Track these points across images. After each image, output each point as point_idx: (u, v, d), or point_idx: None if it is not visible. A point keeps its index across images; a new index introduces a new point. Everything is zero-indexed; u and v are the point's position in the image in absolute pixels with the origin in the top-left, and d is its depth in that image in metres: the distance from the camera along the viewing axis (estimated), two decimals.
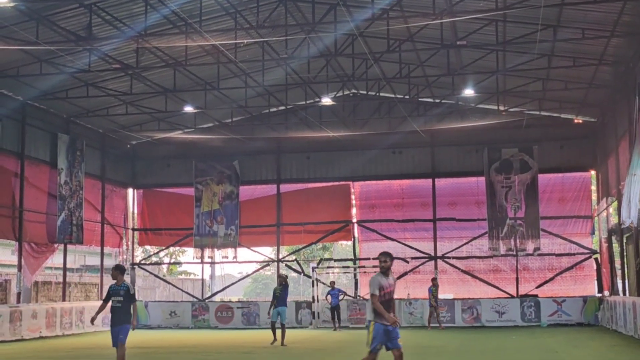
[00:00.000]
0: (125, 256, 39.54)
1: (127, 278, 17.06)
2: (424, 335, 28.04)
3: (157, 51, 27.45)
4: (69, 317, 31.39)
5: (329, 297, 32.79)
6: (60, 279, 35.05)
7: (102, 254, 37.31)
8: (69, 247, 34.45)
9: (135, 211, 40.25)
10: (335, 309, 32.44)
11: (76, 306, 32.44)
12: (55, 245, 32.41)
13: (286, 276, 25.79)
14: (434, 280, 32.91)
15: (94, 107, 33.36)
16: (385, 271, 11.62)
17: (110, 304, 14.89)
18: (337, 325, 32.25)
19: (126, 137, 37.80)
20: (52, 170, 32.23)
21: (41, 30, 23.76)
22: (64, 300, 33.86)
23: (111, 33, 25.25)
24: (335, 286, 33.66)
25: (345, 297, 34.78)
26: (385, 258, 11.65)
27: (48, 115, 32.50)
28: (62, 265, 34.54)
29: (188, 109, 32.91)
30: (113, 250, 38.74)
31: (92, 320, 15.43)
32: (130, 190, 39.98)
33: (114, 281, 14.83)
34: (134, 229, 40.10)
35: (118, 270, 14.93)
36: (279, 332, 23.85)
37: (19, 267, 30.05)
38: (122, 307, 14.68)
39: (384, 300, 11.54)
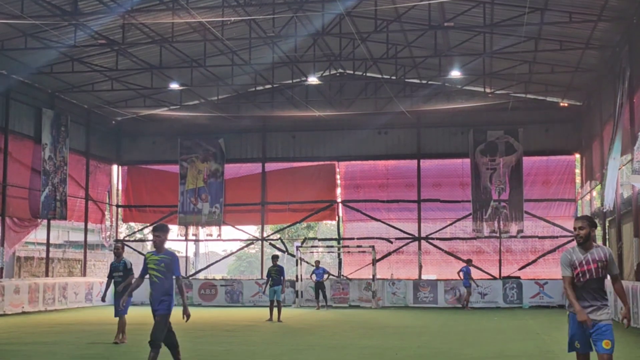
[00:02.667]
0: (108, 232, 39.46)
1: (125, 255, 17.71)
2: (406, 315, 28.19)
3: (143, 27, 27.29)
4: (52, 292, 31.34)
5: (314, 276, 32.94)
6: (43, 255, 34.98)
7: (86, 230, 37.24)
8: (53, 222, 34.37)
9: (120, 188, 40.13)
10: (320, 287, 32.56)
11: (59, 282, 32.39)
12: (39, 221, 32.31)
13: (278, 257, 26.31)
14: (469, 261, 33.18)
15: (79, 83, 33.17)
16: (582, 242, 8.73)
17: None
18: (321, 304, 32.39)
19: (111, 113, 37.64)
20: (36, 146, 32.07)
21: (26, 3, 23.54)
22: (47, 275, 33.80)
23: (97, 8, 25.07)
24: (320, 265, 33.76)
25: (330, 277, 34.92)
26: (582, 223, 8.71)
27: (33, 90, 32.30)
28: (45, 241, 34.44)
29: (174, 86, 32.79)
30: (96, 226, 38.65)
31: (103, 298, 17.66)
32: (114, 167, 39.84)
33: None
34: (118, 206, 40.01)
35: (117, 248, 17.53)
36: (275, 310, 24.81)
37: (2, 242, 29.94)
38: (122, 282, 16.92)
39: (579, 283, 8.73)
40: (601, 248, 8.75)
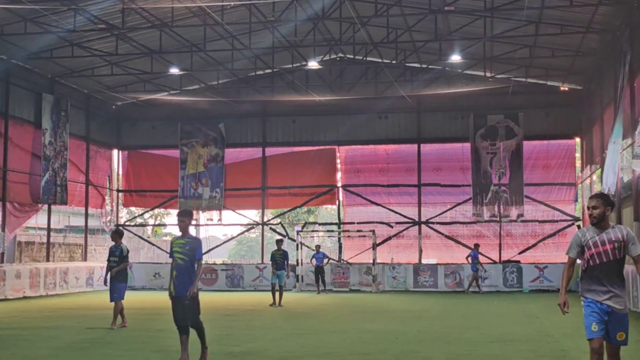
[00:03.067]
0: (109, 217, 39.51)
1: (123, 241, 17.77)
2: (406, 300, 28.26)
3: (143, 12, 27.20)
4: (53, 277, 31.42)
5: (314, 260, 32.99)
6: (44, 240, 35.03)
7: (87, 214, 37.30)
8: (53, 207, 34.41)
9: (120, 172, 40.15)
10: (319, 272, 32.61)
11: (60, 266, 32.47)
12: (39, 206, 32.35)
13: (282, 240, 26.32)
14: (477, 245, 33.23)
15: (79, 68, 33.12)
16: (596, 222, 8.13)
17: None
18: (321, 288, 32.46)
19: (111, 98, 37.60)
20: (36, 131, 32.06)
21: None
22: (48, 260, 33.86)
23: None
24: (320, 250, 33.78)
25: (330, 262, 34.99)
26: (595, 202, 8.17)
27: (32, 75, 32.26)
28: (46, 226, 34.49)
29: (174, 70, 32.74)
30: (97, 211, 38.70)
31: (105, 282, 17.87)
32: (115, 152, 39.84)
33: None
34: (118, 190, 40.04)
35: (116, 233, 17.68)
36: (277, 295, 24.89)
37: (2, 227, 29.98)
38: (117, 267, 17.26)
39: (591, 267, 8.20)
40: (618, 228, 8.12)
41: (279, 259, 25.04)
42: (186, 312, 11.49)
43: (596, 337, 8.06)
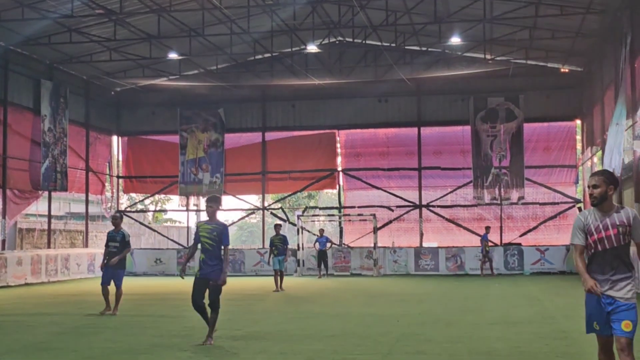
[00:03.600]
0: (109, 204, 39.51)
1: (123, 227, 17.61)
2: (408, 283, 28.29)
3: None
4: (54, 264, 31.45)
5: (317, 244, 32.98)
6: (45, 226, 35.03)
7: (87, 201, 37.29)
8: (54, 194, 34.39)
9: (120, 158, 40.12)
10: (322, 256, 32.61)
11: (61, 253, 32.50)
12: (39, 192, 32.33)
13: (281, 225, 26.23)
14: (487, 228, 33.23)
15: (77, 54, 33.03)
16: (597, 203, 7.28)
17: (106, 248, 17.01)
18: (322, 272, 32.47)
19: (110, 83, 37.53)
20: (35, 117, 32.01)
21: None
22: (49, 247, 33.87)
23: None
24: (324, 234, 33.73)
25: (332, 246, 34.98)
26: (595, 180, 7.27)
27: (31, 61, 32.18)
28: (46, 213, 34.49)
29: (173, 55, 32.63)
30: (97, 197, 38.69)
31: (101, 267, 17.19)
32: (114, 138, 39.79)
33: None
34: (118, 177, 40.02)
35: (119, 218, 17.43)
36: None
37: (3, 214, 29.97)
38: (118, 252, 16.82)
39: (594, 254, 7.32)
40: (624, 210, 7.27)
41: (279, 244, 24.97)
42: (210, 294, 11.96)
43: (601, 335, 7.36)
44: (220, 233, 11.93)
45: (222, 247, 12.02)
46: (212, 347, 11.72)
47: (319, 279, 31.41)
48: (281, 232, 25.78)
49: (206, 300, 12.06)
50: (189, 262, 14.01)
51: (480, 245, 32.78)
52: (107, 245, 17.14)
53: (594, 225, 7.25)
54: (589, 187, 7.32)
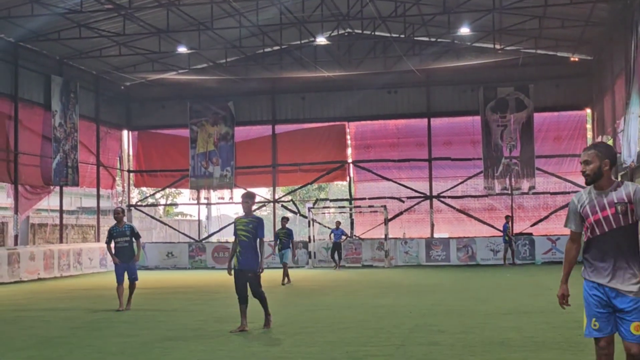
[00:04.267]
0: (120, 198, 39.64)
1: (134, 221, 17.61)
2: (419, 274, 28.30)
3: None
4: (67, 258, 31.58)
5: (332, 236, 33.05)
6: (57, 221, 35.19)
7: (98, 195, 37.38)
8: (65, 189, 34.52)
9: (131, 153, 40.22)
10: (337, 248, 32.67)
11: (73, 248, 32.63)
12: (51, 188, 32.46)
13: (288, 219, 26.20)
14: (507, 217, 33.25)
15: (86, 49, 33.09)
16: (591, 180, 6.32)
17: (114, 244, 16.57)
18: (337, 264, 32.53)
19: (120, 78, 37.59)
20: (46, 113, 32.11)
21: None
22: (61, 242, 34.02)
23: None
24: (340, 227, 33.70)
25: (347, 239, 34.99)
26: (588, 156, 6.32)
27: (41, 57, 32.27)
28: (58, 208, 34.62)
29: (182, 49, 32.65)
30: (108, 192, 38.81)
31: (115, 262, 16.70)
32: (125, 132, 39.89)
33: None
34: (129, 171, 40.13)
35: (122, 213, 16.98)
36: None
37: (16, 209, 30.12)
38: (129, 247, 16.57)
39: (591, 239, 6.39)
40: (624, 185, 6.26)
41: (284, 237, 24.82)
42: (250, 285, 12.75)
43: (598, 337, 6.29)
44: (255, 226, 12.76)
45: (258, 240, 12.78)
46: (227, 341, 11.78)
47: (335, 271, 31.44)
48: (287, 225, 25.64)
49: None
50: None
51: (502, 235, 32.87)
52: (111, 241, 16.51)
53: (590, 206, 6.30)
54: (581, 163, 6.40)
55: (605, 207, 6.24)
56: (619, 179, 31.16)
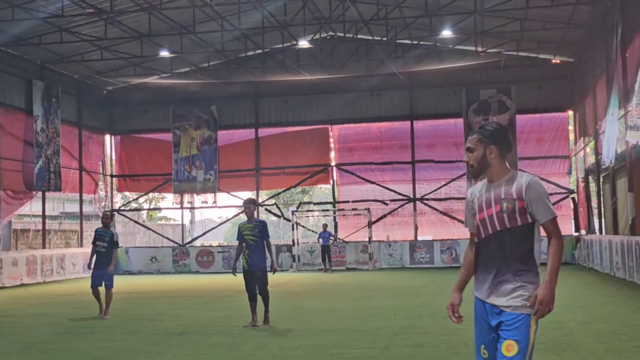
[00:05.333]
0: (103, 203, 39.48)
1: (118, 226, 17.39)
2: (403, 276, 28.33)
3: None
4: (50, 264, 31.41)
5: (320, 239, 33.07)
6: (39, 227, 35.01)
7: (81, 200, 37.23)
8: (48, 194, 34.35)
9: (113, 157, 40.07)
10: (325, 251, 32.69)
11: (56, 253, 32.47)
12: (33, 193, 32.29)
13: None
14: None
15: (68, 53, 32.97)
16: (475, 172, 5.22)
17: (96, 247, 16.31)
18: (328, 267, 32.53)
19: (102, 82, 37.46)
20: (27, 118, 31.95)
21: None
22: (44, 247, 33.84)
23: None
24: (327, 229, 33.67)
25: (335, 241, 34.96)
26: (471, 142, 5.19)
27: (22, 61, 32.11)
28: (41, 213, 34.45)
29: (164, 53, 32.59)
30: (91, 196, 38.65)
31: (89, 266, 16.47)
32: (107, 137, 39.73)
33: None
34: (112, 176, 39.97)
35: (109, 217, 16.74)
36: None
37: None
38: (106, 253, 16.07)
39: (480, 241, 5.16)
40: (519, 178, 5.06)
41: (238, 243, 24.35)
42: (258, 283, 13.71)
43: None
44: (261, 229, 13.82)
45: (265, 242, 13.84)
46: (211, 345, 11.76)
47: (325, 274, 31.43)
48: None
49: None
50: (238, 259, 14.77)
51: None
52: (94, 244, 16.30)
53: (478, 202, 5.11)
54: (465, 151, 5.30)
55: (491, 203, 5.02)
56: (601, 180, 31.44)
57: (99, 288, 16.23)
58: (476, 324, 5.23)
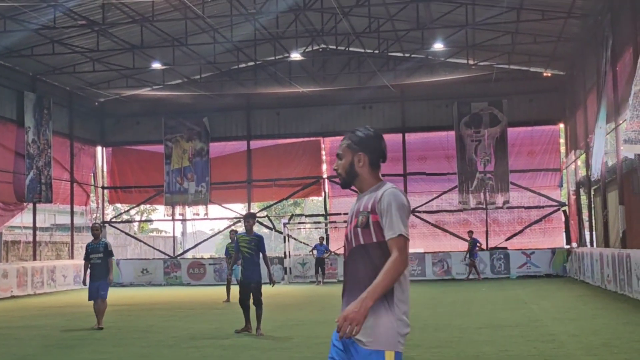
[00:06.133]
0: (95, 215, 39.36)
1: (109, 238, 17.40)
2: None
3: (123, 7, 27.07)
4: (40, 276, 31.28)
5: (315, 251, 33.07)
6: (30, 238, 34.86)
7: (72, 212, 37.14)
8: (39, 206, 34.25)
9: (105, 169, 40.00)
10: (320, 263, 32.68)
11: (47, 265, 32.34)
12: (24, 204, 32.19)
13: (237, 232, 25.14)
14: (471, 232, 33.33)
15: (60, 65, 32.95)
16: (344, 183, 4.82)
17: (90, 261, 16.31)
18: (320, 280, 32.52)
19: (94, 94, 37.44)
20: (19, 129, 31.89)
21: None
22: (34, 259, 33.71)
23: None
24: (323, 242, 33.68)
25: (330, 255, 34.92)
26: (340, 148, 4.83)
27: (13, 73, 32.07)
28: (31, 225, 34.32)
29: (156, 65, 32.61)
30: (82, 208, 38.54)
31: (84, 282, 16.52)
32: (99, 148, 39.67)
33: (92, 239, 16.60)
34: (103, 187, 39.89)
35: (98, 229, 16.85)
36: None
37: None
38: (102, 264, 16.14)
39: (344, 259, 4.62)
40: (381, 189, 4.55)
41: (233, 252, 23.68)
42: (253, 294, 14.23)
43: None
44: (257, 243, 14.32)
45: (262, 255, 14.41)
46: (201, 357, 11.72)
47: (318, 286, 31.43)
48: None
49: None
50: (235, 265, 16.32)
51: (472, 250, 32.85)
52: (87, 258, 16.28)
53: (349, 215, 4.65)
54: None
55: (352, 217, 4.56)
56: (592, 193, 31.47)
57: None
58: (331, 345, 4.52)
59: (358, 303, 4.16)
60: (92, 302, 16.31)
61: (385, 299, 4.26)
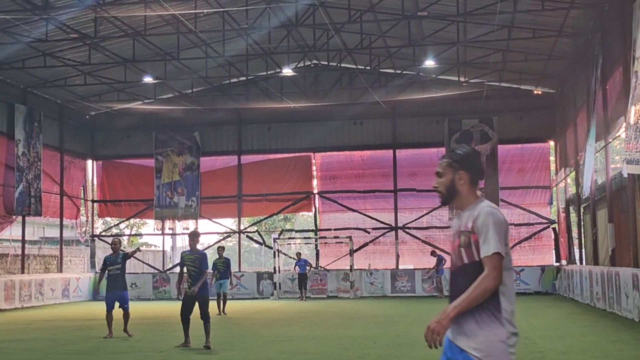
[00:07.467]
0: (84, 228, 39.22)
1: (98, 252, 17.85)
2: (384, 305, 28.27)
3: (115, 21, 27.10)
4: (28, 289, 31.11)
5: (297, 268, 32.98)
6: (19, 252, 34.70)
7: (61, 225, 37.01)
8: (28, 219, 34.10)
9: (95, 182, 39.89)
10: (302, 279, 32.59)
11: (35, 278, 32.17)
12: (13, 217, 32.06)
13: (224, 248, 25.38)
14: (434, 253, 33.53)
15: (51, 78, 32.92)
16: (444, 200, 5.01)
17: (107, 273, 17.41)
18: (304, 295, 32.43)
19: (85, 107, 37.41)
20: (9, 142, 31.80)
21: None
22: (23, 272, 33.53)
23: (68, 2, 24.84)
24: (302, 257, 33.65)
25: (312, 269, 34.89)
26: (440, 167, 4.97)
27: (4, 85, 32.03)
28: (20, 238, 34.18)
29: (148, 79, 32.63)
30: (72, 222, 38.42)
31: (98, 291, 17.66)
32: (89, 162, 39.58)
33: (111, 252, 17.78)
34: (93, 201, 39.77)
35: (115, 243, 17.96)
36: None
37: None
38: (120, 274, 17.29)
39: (451, 273, 4.71)
40: (478, 207, 4.63)
41: (222, 267, 24.16)
42: (200, 308, 14.68)
43: None
44: (200, 261, 14.75)
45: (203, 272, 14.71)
46: None
47: (301, 302, 31.33)
48: (225, 254, 24.80)
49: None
50: (182, 284, 15.79)
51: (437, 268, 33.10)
52: (103, 270, 17.41)
53: (452, 231, 4.78)
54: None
55: (456, 236, 4.67)
56: (582, 210, 31.59)
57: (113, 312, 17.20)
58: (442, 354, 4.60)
59: (442, 314, 4.37)
60: (107, 313, 17.18)
61: (493, 316, 4.40)
